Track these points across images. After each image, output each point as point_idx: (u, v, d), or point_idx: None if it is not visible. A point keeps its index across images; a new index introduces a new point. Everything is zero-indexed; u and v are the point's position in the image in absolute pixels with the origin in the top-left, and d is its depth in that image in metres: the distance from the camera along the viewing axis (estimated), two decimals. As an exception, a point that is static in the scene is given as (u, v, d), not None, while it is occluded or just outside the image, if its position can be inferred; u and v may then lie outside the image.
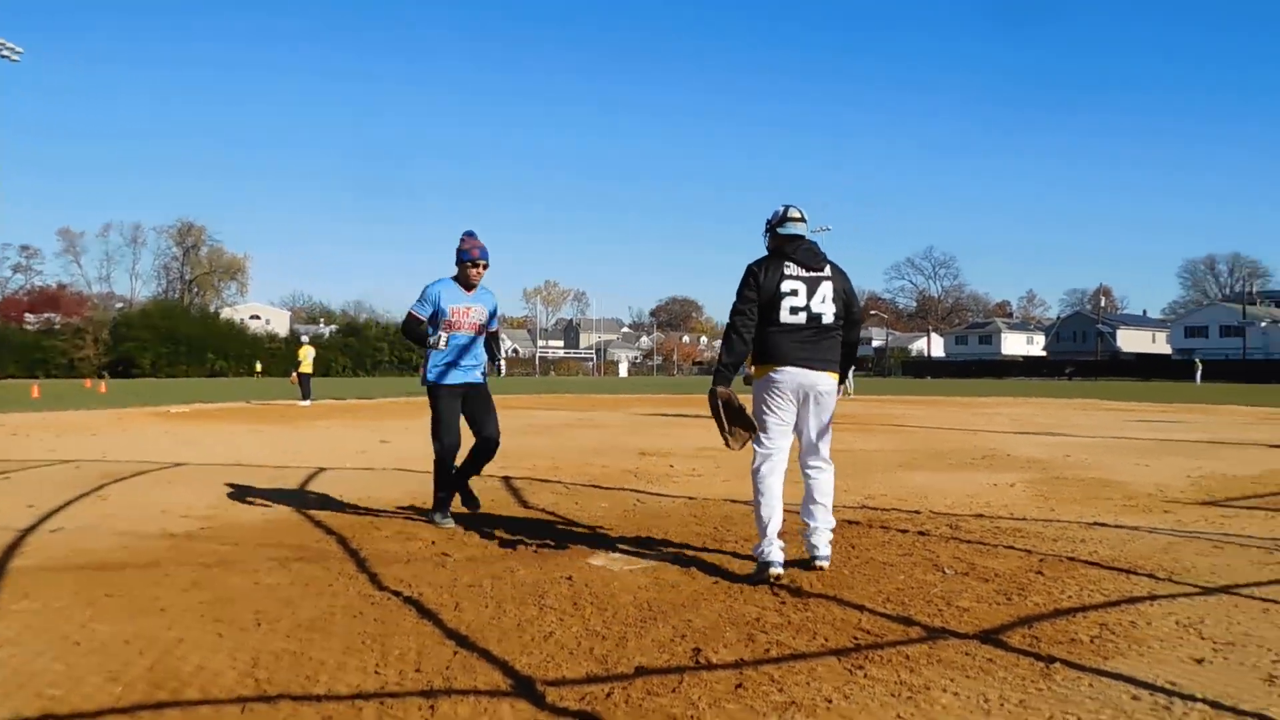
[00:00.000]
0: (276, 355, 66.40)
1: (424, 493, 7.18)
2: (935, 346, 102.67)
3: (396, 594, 4.08)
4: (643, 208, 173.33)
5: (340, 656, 3.22)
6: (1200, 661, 3.15)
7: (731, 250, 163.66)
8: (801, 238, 4.61)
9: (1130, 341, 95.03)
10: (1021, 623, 3.62)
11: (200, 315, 73.80)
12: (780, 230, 4.63)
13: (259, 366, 64.94)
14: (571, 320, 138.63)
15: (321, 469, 8.79)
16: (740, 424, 4.51)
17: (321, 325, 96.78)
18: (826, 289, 4.51)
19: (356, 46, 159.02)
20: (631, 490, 7.45)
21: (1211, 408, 22.34)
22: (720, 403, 4.48)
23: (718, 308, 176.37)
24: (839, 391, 4.72)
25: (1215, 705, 2.75)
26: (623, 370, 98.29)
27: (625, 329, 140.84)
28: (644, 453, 10.63)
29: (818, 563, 4.55)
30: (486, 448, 6.34)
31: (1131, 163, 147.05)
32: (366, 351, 73.97)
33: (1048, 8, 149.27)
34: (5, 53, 36.89)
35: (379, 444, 11.74)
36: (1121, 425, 15.82)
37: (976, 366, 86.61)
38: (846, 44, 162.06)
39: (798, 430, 4.61)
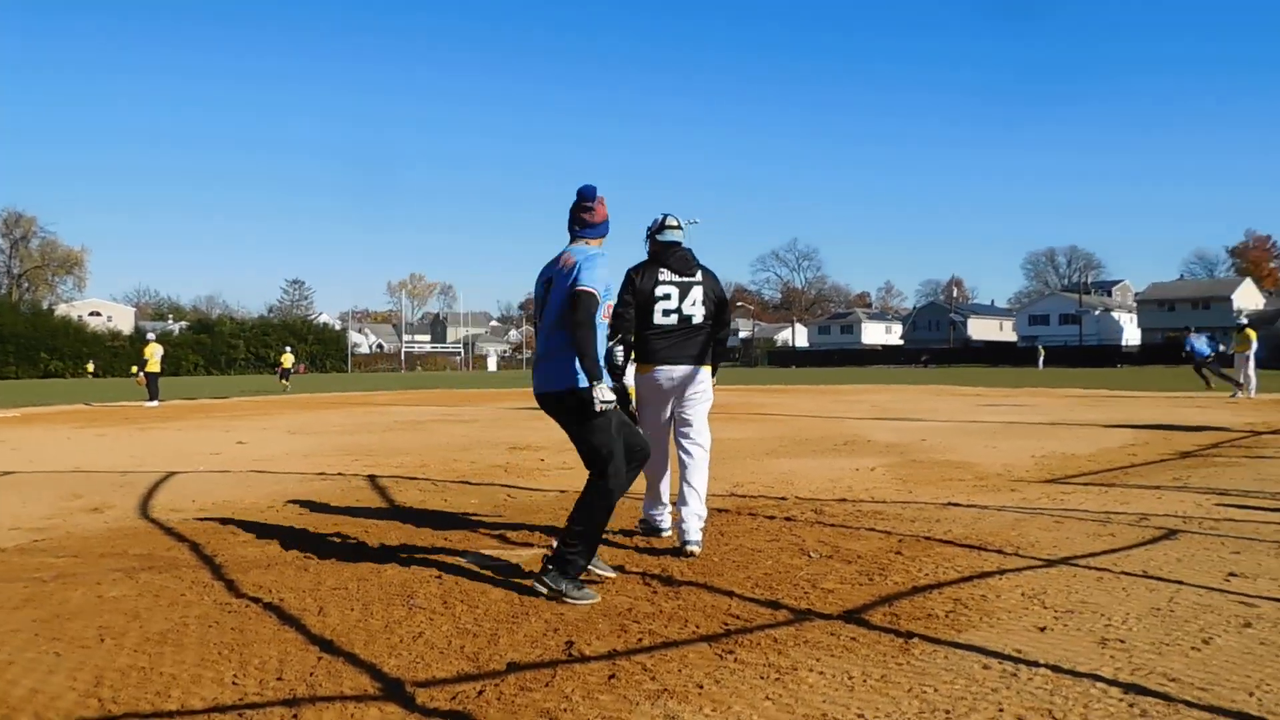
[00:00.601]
0: (120, 354, 62.50)
1: (285, 493, 6.91)
2: (799, 336, 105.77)
3: (255, 601, 3.90)
4: (511, 199, 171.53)
5: (195, 669, 3.05)
6: (1043, 629, 3.36)
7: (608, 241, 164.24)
8: (677, 244, 4.95)
9: (980, 330, 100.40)
10: (882, 601, 3.77)
11: (31, 312, 68.60)
12: (659, 237, 4.96)
13: (91, 366, 60.98)
14: (439, 314, 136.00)
15: (172, 473, 8.32)
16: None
17: (171, 322, 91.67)
18: (697, 293, 4.88)
19: (191, 35, 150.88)
20: (502, 485, 7.37)
21: (1052, 391, 23.88)
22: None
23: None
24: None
25: (1055, 669, 2.93)
26: (492, 364, 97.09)
27: (494, 322, 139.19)
28: (514, 447, 10.54)
29: (689, 548, 4.71)
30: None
31: (978, 159, 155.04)
32: (220, 349, 70.55)
33: None
34: None
35: (235, 445, 11.21)
36: (972, 410, 16.71)
37: (839, 355, 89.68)
38: (700, 35, 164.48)
39: (674, 420, 4.95)
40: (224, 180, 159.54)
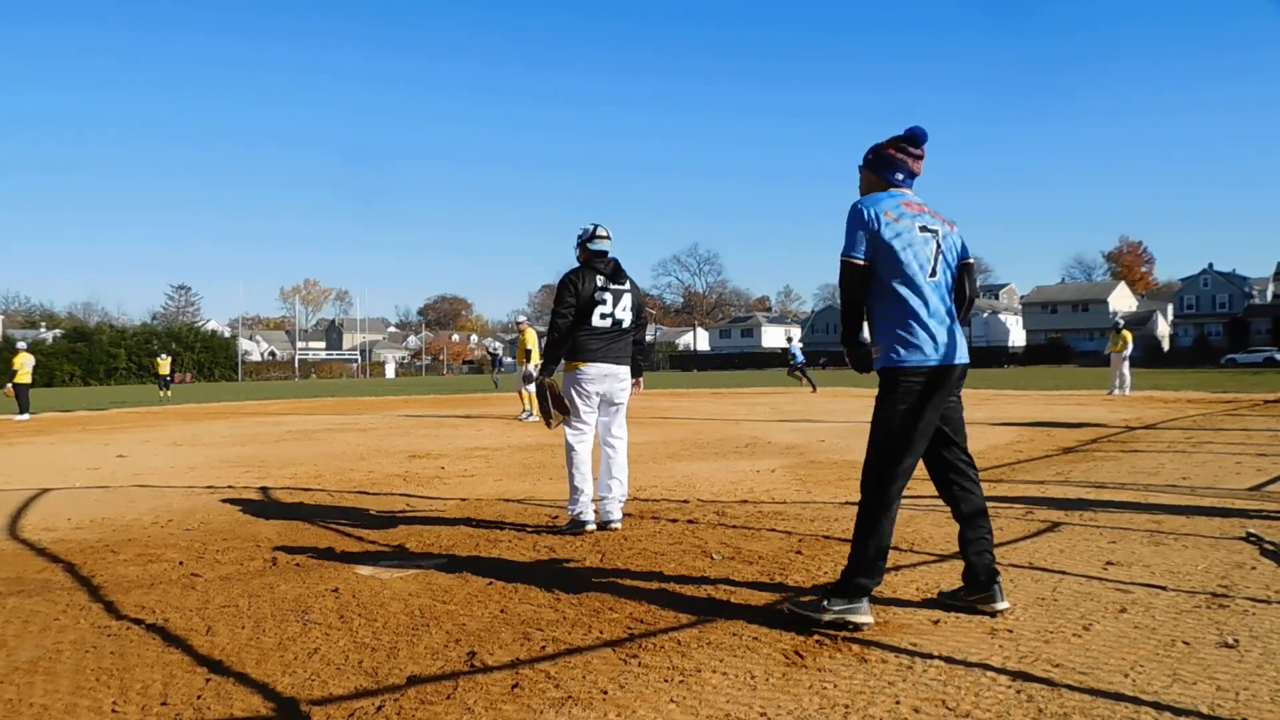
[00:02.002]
0: (-13, 364, 58.95)
1: (170, 509, 6.60)
2: (701, 340, 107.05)
3: (138, 622, 3.71)
4: (407, 202, 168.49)
5: (69, 698, 2.88)
6: (936, 623, 3.47)
7: (501, 246, 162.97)
8: (606, 253, 5.56)
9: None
10: (784, 600, 3.82)
11: (-113, 321, 64.08)
12: (590, 246, 5.55)
13: None
14: (334, 320, 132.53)
15: (45, 489, 7.87)
16: (559, 408, 5.47)
17: (43, 330, 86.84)
18: (627, 299, 5.52)
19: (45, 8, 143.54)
20: (401, 495, 7.21)
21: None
22: (546, 390, 5.45)
23: (488, 305, 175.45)
24: (632, 384, 5.72)
25: (949, 660, 3.03)
26: (390, 371, 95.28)
27: (392, 328, 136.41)
28: (413, 455, 10.34)
29: (612, 525, 5.43)
30: None
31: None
32: (99, 358, 67.21)
33: None
34: None
35: (115, 459, 10.66)
36: (868, 411, 17.10)
37: (739, 359, 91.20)
38: (589, 31, 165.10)
39: (601, 413, 5.58)
40: (101, 179, 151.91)
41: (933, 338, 3.47)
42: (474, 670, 3.05)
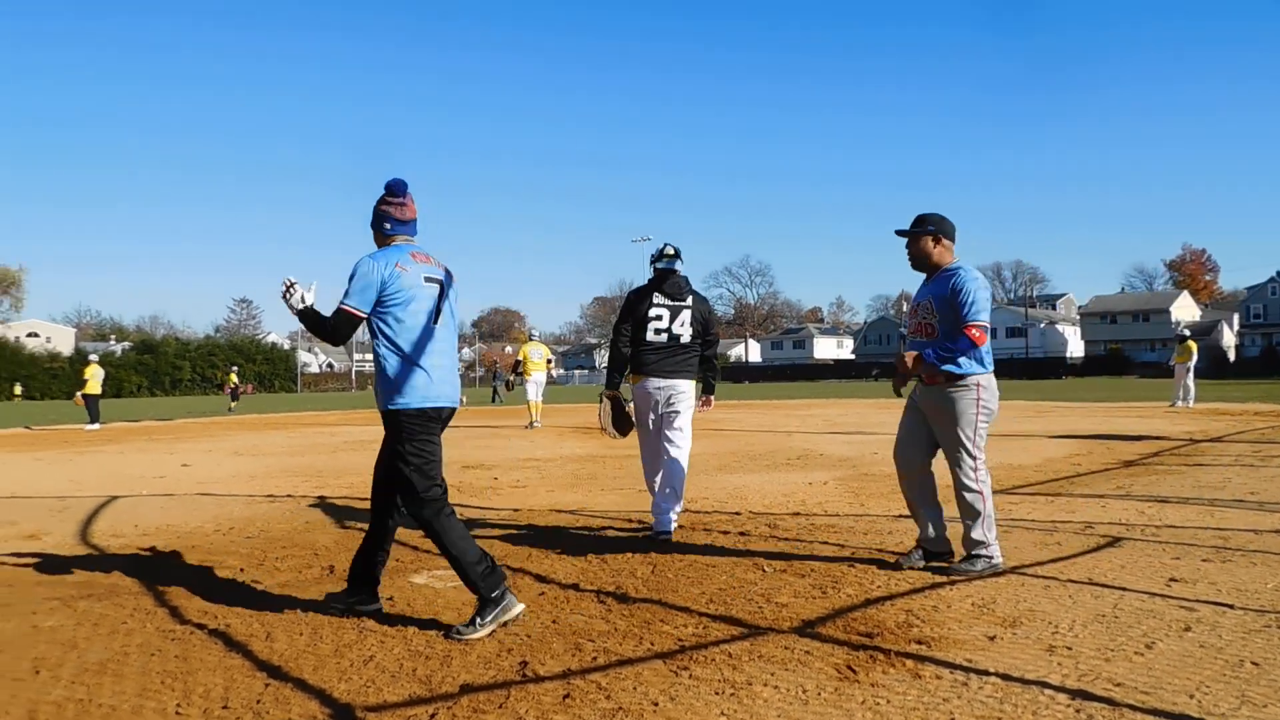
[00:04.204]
0: (59, 376, 60.87)
1: (231, 516, 6.76)
2: (752, 352, 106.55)
3: (200, 627, 3.81)
4: (464, 216, 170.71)
5: (135, 700, 2.96)
6: (992, 638, 3.41)
7: (555, 259, 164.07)
8: (673, 271, 5.72)
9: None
10: (836, 614, 3.79)
11: (-35, 335, 66.58)
12: (658, 265, 5.75)
13: (18, 389, 59.26)
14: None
15: (114, 497, 8.11)
16: (623, 420, 5.76)
17: (113, 342, 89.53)
18: (686, 315, 5.66)
19: (128, 55, 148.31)
20: (454, 505, 7.27)
21: (999, 403, 24.25)
22: (608, 402, 5.75)
23: (541, 316, 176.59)
24: (699, 400, 5.95)
25: (1005, 677, 2.97)
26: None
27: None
28: (467, 466, 10.45)
29: (662, 537, 5.50)
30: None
31: (925, 173, 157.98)
32: (165, 370, 69.04)
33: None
34: None
35: (179, 468, 10.95)
36: (921, 422, 16.92)
37: (791, 370, 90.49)
38: (647, 51, 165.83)
39: (661, 424, 5.67)
40: (168, 198, 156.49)
41: (438, 380, 3.80)
42: (526, 680, 3.08)
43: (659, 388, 5.60)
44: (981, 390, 4.46)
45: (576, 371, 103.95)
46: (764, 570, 4.66)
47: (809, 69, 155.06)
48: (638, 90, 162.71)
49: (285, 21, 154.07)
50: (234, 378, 33.86)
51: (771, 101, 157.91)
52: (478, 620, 3.60)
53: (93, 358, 23.77)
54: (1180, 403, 19.71)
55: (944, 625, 3.59)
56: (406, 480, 3.75)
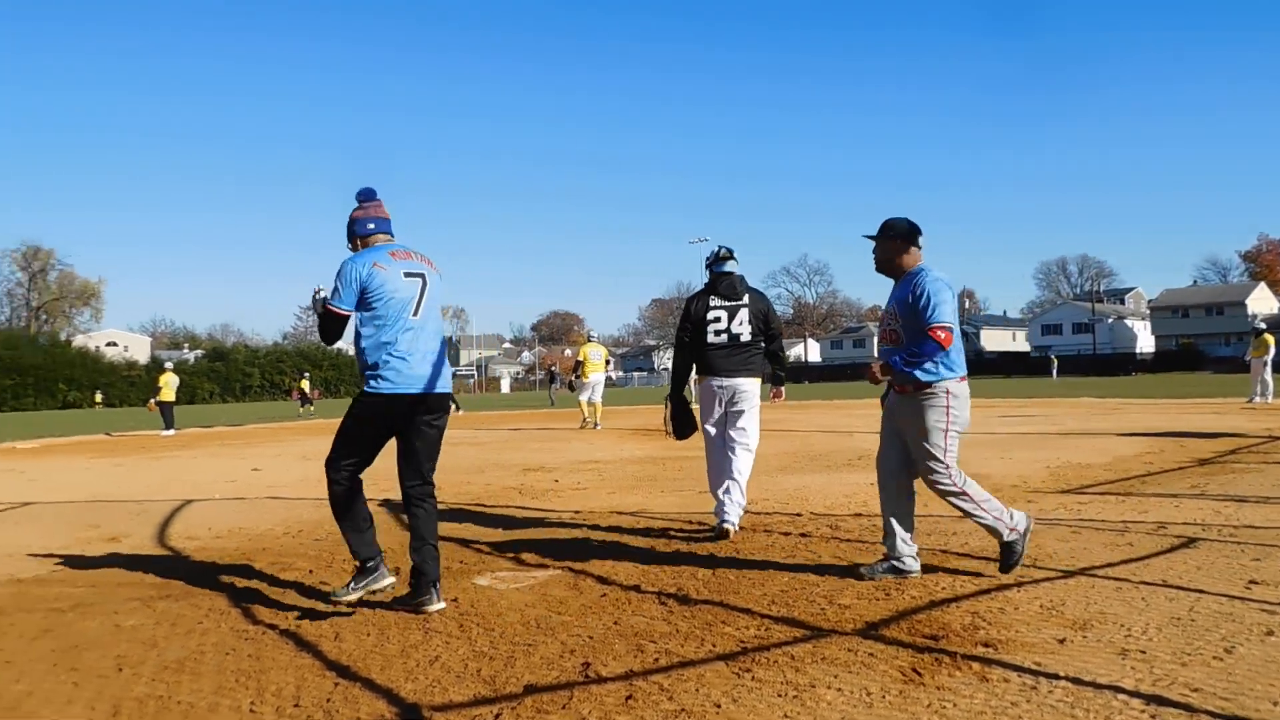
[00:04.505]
0: (136, 383, 62.96)
1: (300, 519, 6.93)
2: (811, 352, 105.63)
3: (272, 627, 3.91)
4: (523, 220, 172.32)
5: (211, 697, 3.06)
6: (1062, 641, 3.33)
7: (612, 261, 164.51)
8: (729, 274, 5.84)
9: (992, 340, 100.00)
10: (900, 616, 3.75)
11: (49, 344, 69.13)
12: (714, 268, 5.89)
13: (99, 397, 61.38)
14: (451, 337, 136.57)
15: (188, 501, 8.36)
16: (684, 422, 5.93)
17: (186, 350, 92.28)
18: (744, 314, 5.76)
19: (201, 52, 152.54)
20: (516, 507, 7.37)
21: (1066, 401, 23.74)
22: (671, 405, 5.95)
23: (600, 319, 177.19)
24: (771, 391, 6.19)
25: (1076, 681, 2.90)
26: (505, 386, 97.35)
27: (506, 344, 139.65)
28: (528, 468, 10.54)
29: (725, 527, 5.58)
30: None
31: (986, 167, 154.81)
32: (235, 376, 70.96)
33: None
34: None
35: (250, 472, 11.24)
36: (986, 421, 16.63)
37: (851, 369, 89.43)
38: (705, 54, 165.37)
39: (727, 421, 5.79)
40: (239, 210, 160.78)
41: (414, 370, 4.06)
42: (589, 681, 3.10)
43: (722, 387, 5.72)
44: (951, 398, 4.33)
45: (635, 374, 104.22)
46: (826, 571, 4.62)
47: (875, 71, 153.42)
48: (694, 97, 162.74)
49: (358, 36, 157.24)
50: (305, 384, 34.74)
51: (844, 104, 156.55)
52: (351, 585, 4.05)
53: (167, 365, 24.53)
54: (1258, 398, 19.04)
55: (1011, 628, 3.53)
56: (333, 445, 4.16)
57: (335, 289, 4.01)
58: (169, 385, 22.08)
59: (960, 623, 3.61)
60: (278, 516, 7.18)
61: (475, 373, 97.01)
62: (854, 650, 3.32)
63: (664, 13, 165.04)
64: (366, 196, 4.29)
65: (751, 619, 3.79)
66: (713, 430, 5.85)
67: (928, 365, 4.27)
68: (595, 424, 17.76)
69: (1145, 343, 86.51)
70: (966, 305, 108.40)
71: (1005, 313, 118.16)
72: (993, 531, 4.36)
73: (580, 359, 18.40)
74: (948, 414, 4.31)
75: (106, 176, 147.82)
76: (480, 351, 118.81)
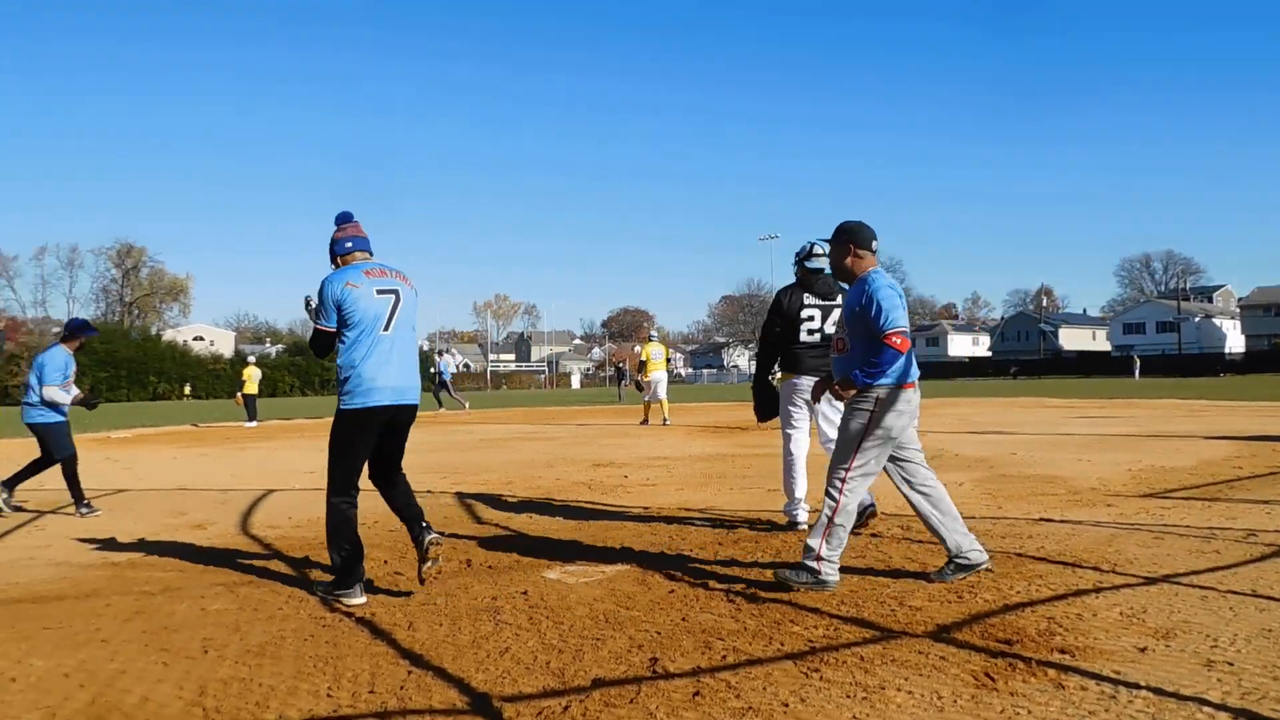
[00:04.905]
0: (221, 377, 65.02)
1: (375, 510, 7.09)
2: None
3: (348, 615, 4.02)
4: (593, 218, 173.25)
5: (291, 681, 3.16)
6: (1143, 650, 3.23)
7: (682, 258, 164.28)
8: (822, 270, 5.73)
9: (1072, 340, 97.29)
10: (972, 620, 3.68)
11: (141, 338, 71.90)
12: (806, 264, 5.76)
13: (188, 389, 63.59)
14: (523, 333, 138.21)
15: (270, 490, 8.63)
16: (769, 405, 5.91)
17: (268, 345, 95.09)
18: (837, 314, 5.57)
19: (288, 64, 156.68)
20: (585, 502, 7.43)
21: (1149, 402, 22.95)
22: (757, 388, 5.93)
23: (670, 316, 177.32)
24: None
25: (1158, 692, 2.81)
26: (575, 382, 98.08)
27: (577, 341, 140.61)
28: (597, 464, 10.61)
29: (800, 527, 5.75)
30: None
31: (1070, 164, 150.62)
32: (315, 370, 72.80)
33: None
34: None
35: (328, 463, 11.53)
36: (1064, 422, 16.19)
37: (924, 368, 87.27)
38: (779, 31, 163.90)
39: (821, 422, 5.82)
40: (317, 209, 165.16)
41: (383, 382, 4.29)
42: (656, 676, 3.12)
43: (813, 386, 5.58)
44: (880, 404, 4.21)
45: (705, 371, 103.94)
46: (897, 574, 4.56)
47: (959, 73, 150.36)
48: (765, 90, 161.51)
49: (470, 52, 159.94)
50: None
51: (918, 96, 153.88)
52: (332, 589, 4.31)
53: (250, 359, 25.37)
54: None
55: (1089, 634, 3.43)
56: (329, 469, 4.41)
57: (318, 308, 4.30)
58: (252, 379, 22.78)
59: (1035, 628, 3.53)
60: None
61: (546, 369, 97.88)
62: (925, 653, 3.27)
63: (734, 8, 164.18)
64: (344, 219, 4.57)
65: (820, 619, 3.76)
66: (796, 430, 5.82)
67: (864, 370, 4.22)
68: (664, 420, 17.88)
69: (1235, 342, 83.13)
70: (1044, 303, 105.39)
71: (1085, 311, 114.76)
72: (805, 549, 4.26)
73: (642, 358, 18.63)
74: (870, 420, 4.21)
75: (196, 180, 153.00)
76: (551, 348, 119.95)
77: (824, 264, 5.71)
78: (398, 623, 3.88)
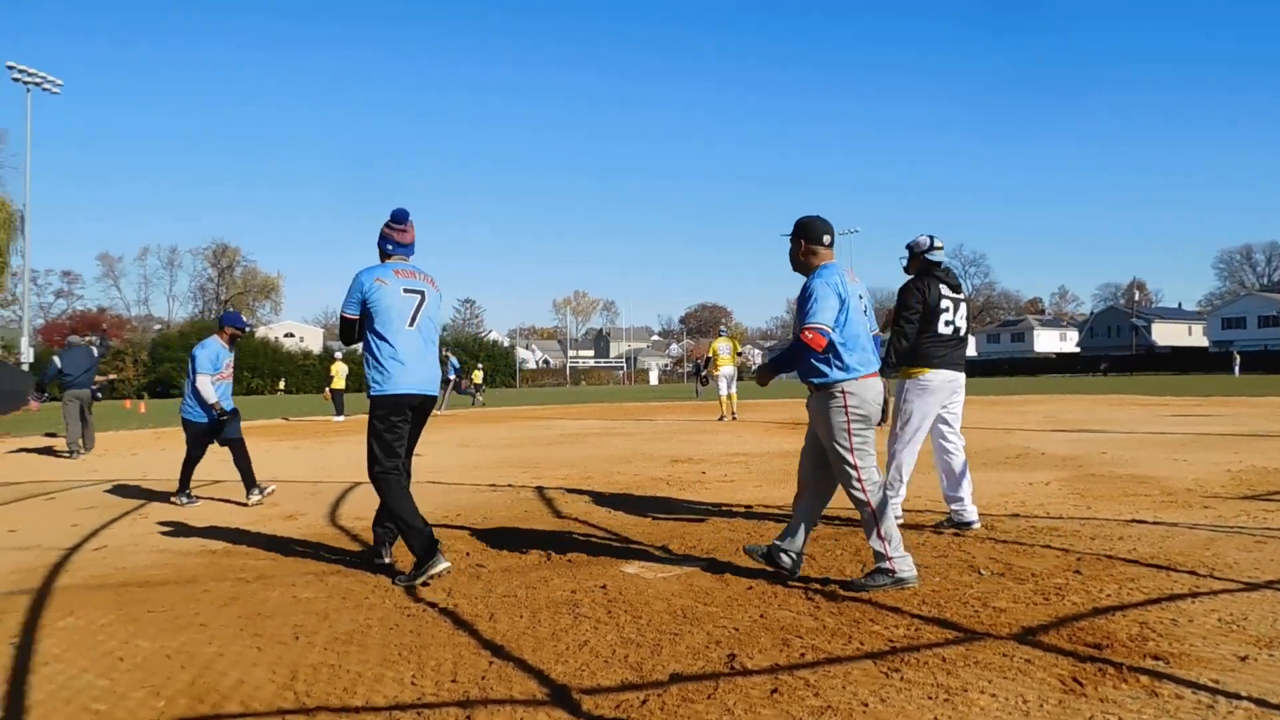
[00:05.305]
0: (310, 372, 67.12)
1: (458, 504, 7.25)
2: (968, 346, 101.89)
3: (432, 605, 4.12)
4: (671, 214, 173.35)
5: (377, 668, 3.25)
6: (1244, 659, 3.10)
7: (760, 254, 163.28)
8: (943, 263, 5.69)
9: (1166, 335, 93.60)
10: (1060, 623, 3.58)
11: (236, 335, 74.50)
12: (929, 257, 5.66)
13: (282, 384, 65.70)
14: (601, 330, 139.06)
15: (356, 484, 8.87)
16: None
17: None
18: (964, 308, 5.70)
19: (377, 63, 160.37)
20: (663, 497, 7.45)
21: (1250, 400, 21.92)
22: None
23: (747, 313, 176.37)
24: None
25: (1260, 703, 2.70)
26: (653, 378, 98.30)
27: (655, 337, 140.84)
28: (675, 460, 10.63)
29: (974, 527, 5.62)
30: None
31: (1162, 151, 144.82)
32: (398, 366, 74.58)
33: None
34: (47, 86, 37.48)
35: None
36: (1157, 420, 15.59)
37: (1009, 364, 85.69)
38: (865, 33, 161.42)
39: (939, 418, 5.72)
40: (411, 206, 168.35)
41: (409, 372, 4.61)
42: (734, 673, 3.12)
43: (949, 380, 5.59)
44: (849, 397, 4.14)
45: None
46: (980, 573, 4.46)
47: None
48: (846, 90, 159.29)
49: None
50: (478, 375, 36.01)
51: (1005, 88, 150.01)
52: (413, 573, 4.49)
53: (338, 355, 26.03)
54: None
55: (1185, 641, 3.31)
56: (369, 450, 4.64)
57: (345, 297, 4.65)
58: (340, 374, 23.43)
59: (1126, 633, 3.42)
60: (436, 501, 7.53)
61: (624, 364, 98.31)
62: (1009, 655, 3.20)
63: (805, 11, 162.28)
64: (399, 219, 4.81)
65: (901, 618, 3.71)
66: (924, 425, 5.63)
67: (821, 368, 4.21)
68: (732, 415, 17.92)
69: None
70: (1137, 297, 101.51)
71: (1180, 305, 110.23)
72: (874, 555, 4.20)
73: (710, 354, 18.87)
74: (847, 412, 4.18)
75: (287, 183, 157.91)
76: (629, 344, 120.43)
77: (943, 256, 5.68)
78: (479, 614, 3.95)
